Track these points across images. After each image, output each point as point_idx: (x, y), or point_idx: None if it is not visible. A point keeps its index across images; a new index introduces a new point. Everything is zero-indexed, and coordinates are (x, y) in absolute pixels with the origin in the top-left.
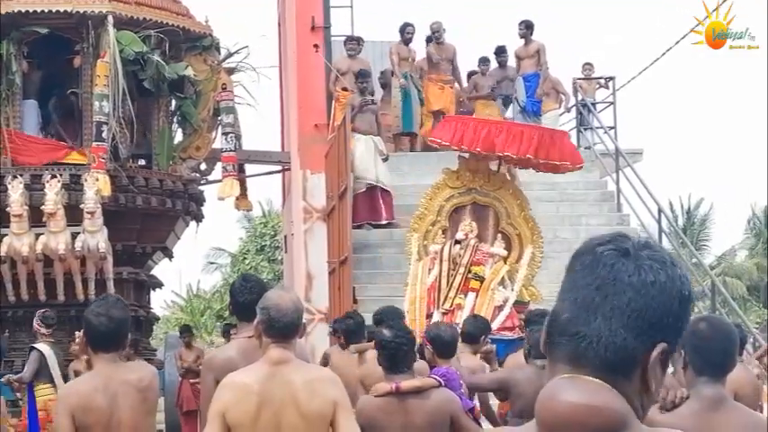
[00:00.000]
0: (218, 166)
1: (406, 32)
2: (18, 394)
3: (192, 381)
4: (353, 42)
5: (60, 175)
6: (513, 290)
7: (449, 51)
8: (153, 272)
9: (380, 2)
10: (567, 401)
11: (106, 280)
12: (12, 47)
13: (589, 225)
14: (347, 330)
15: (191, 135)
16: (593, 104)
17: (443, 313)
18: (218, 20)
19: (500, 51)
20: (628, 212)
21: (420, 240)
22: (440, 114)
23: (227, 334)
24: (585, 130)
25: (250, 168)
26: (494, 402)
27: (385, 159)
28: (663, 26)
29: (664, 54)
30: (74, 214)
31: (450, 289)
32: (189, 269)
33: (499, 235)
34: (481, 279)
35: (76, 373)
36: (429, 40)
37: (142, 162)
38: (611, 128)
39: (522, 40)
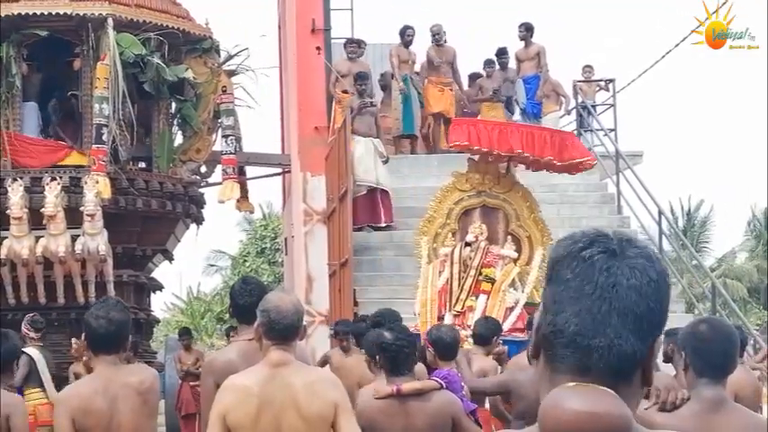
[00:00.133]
0: (219, 168)
1: (406, 35)
2: None
3: (191, 384)
4: (354, 45)
5: (60, 177)
6: (523, 291)
7: (449, 54)
8: (153, 274)
9: (381, 4)
10: (571, 409)
11: (106, 283)
12: (12, 49)
13: (590, 227)
14: (359, 333)
15: (191, 137)
16: (594, 107)
17: (455, 315)
18: (218, 22)
19: (501, 53)
20: (628, 215)
21: (430, 243)
22: (439, 117)
23: (229, 336)
24: (586, 132)
25: (250, 171)
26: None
27: (385, 162)
28: (663, 29)
29: (664, 56)
30: (74, 217)
31: (461, 291)
32: (189, 272)
33: (509, 237)
34: (492, 281)
35: (76, 376)
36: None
37: (142, 164)
38: (612, 130)
39: (522, 43)
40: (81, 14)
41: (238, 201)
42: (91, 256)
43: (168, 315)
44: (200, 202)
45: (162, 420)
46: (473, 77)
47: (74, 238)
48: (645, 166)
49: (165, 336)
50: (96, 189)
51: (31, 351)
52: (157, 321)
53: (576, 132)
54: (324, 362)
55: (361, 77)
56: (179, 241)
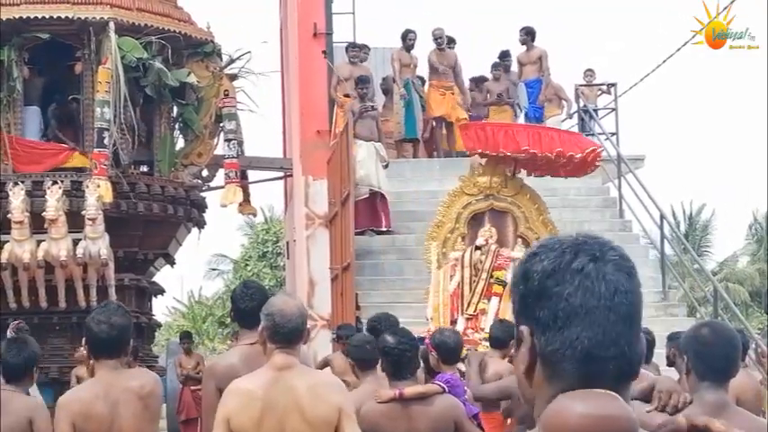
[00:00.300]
0: (220, 172)
1: (407, 39)
2: None
3: (192, 388)
4: (356, 49)
5: (62, 181)
6: None
7: (450, 58)
8: (155, 278)
9: (382, 8)
10: (578, 413)
11: (108, 287)
12: (13, 53)
13: (591, 231)
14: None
15: (192, 141)
16: (595, 111)
17: (467, 318)
18: (220, 26)
19: (504, 56)
20: (630, 218)
21: (439, 248)
22: (441, 120)
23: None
24: (587, 136)
25: (252, 174)
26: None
27: (385, 166)
28: (665, 33)
29: (665, 61)
30: (75, 221)
31: (473, 294)
32: (191, 276)
33: (519, 239)
34: (503, 283)
35: (79, 379)
36: (448, 41)
37: (144, 168)
38: (613, 134)
39: (524, 47)
40: (83, 18)
41: (240, 204)
42: (92, 260)
43: (170, 319)
44: (201, 205)
45: (163, 425)
46: (475, 81)
47: (75, 242)
48: (647, 169)
49: (167, 340)
50: (98, 193)
51: None
52: (159, 325)
53: None
54: (324, 364)
55: (362, 81)
56: (180, 245)
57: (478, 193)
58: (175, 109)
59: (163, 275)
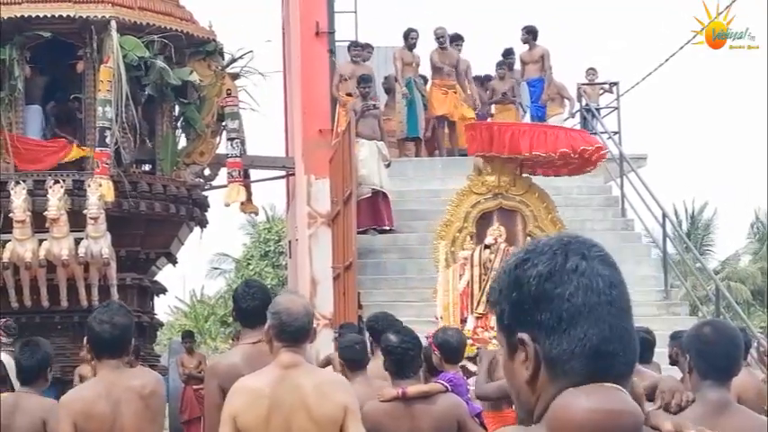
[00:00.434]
0: (222, 171)
1: (410, 38)
2: None
3: (194, 387)
4: (358, 48)
5: (63, 180)
6: None
7: (452, 57)
8: (157, 277)
9: (385, 7)
10: (584, 408)
11: (110, 286)
12: (15, 52)
13: (594, 230)
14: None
15: (194, 140)
16: (598, 109)
17: (477, 317)
18: (222, 25)
19: (507, 54)
20: (632, 217)
21: (447, 247)
22: (443, 119)
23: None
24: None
25: (254, 173)
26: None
27: (387, 165)
28: (667, 31)
29: (667, 60)
30: (77, 220)
31: (482, 293)
32: (193, 275)
33: (528, 238)
34: None
35: (82, 378)
36: (452, 39)
37: (146, 167)
38: (616, 133)
39: (526, 46)
40: (84, 17)
41: (242, 203)
42: (94, 259)
43: (172, 318)
44: (203, 205)
45: (165, 424)
46: (480, 80)
47: (77, 242)
48: (649, 168)
49: (169, 339)
50: (99, 192)
51: (3, 357)
52: (161, 325)
53: None
54: (326, 363)
55: (364, 80)
56: (182, 244)
57: (487, 192)
58: (177, 108)
59: (165, 275)
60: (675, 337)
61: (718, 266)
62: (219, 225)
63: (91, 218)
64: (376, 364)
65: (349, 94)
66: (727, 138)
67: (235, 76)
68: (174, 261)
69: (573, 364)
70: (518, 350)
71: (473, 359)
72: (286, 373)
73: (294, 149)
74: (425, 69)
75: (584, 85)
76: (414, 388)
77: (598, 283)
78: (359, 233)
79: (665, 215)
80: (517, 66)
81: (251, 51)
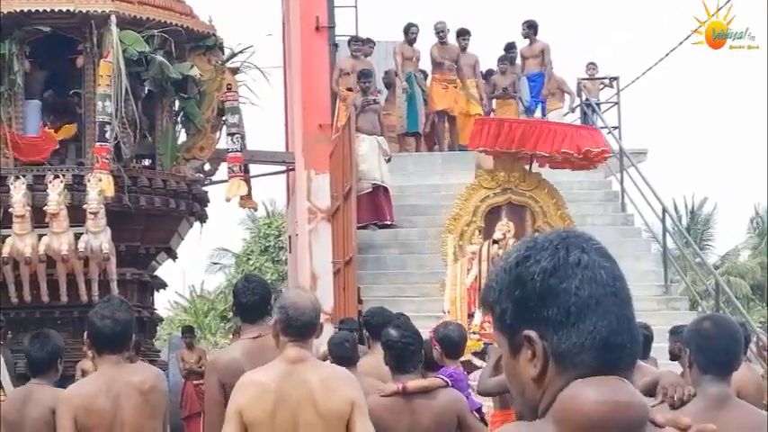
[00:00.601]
0: (223, 166)
1: (410, 32)
2: None
3: (195, 382)
4: (358, 43)
5: (63, 175)
6: None
7: (452, 52)
8: (156, 273)
9: (385, 2)
10: (592, 400)
11: (109, 281)
12: (14, 46)
13: (594, 225)
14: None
15: (194, 135)
16: (598, 104)
17: (484, 312)
18: (222, 19)
19: (509, 48)
20: (632, 212)
21: (456, 241)
22: (444, 114)
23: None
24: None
25: (254, 168)
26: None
27: (388, 160)
28: (669, 24)
29: (667, 55)
30: (77, 215)
31: None
32: (193, 270)
33: (537, 234)
34: None
35: (84, 373)
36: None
37: (146, 162)
38: (616, 128)
39: (527, 41)
40: (84, 11)
41: (242, 198)
42: (94, 254)
43: (172, 313)
44: (203, 200)
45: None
46: (483, 75)
47: (77, 237)
48: (649, 163)
49: (169, 334)
50: (99, 187)
51: None
52: (161, 320)
53: None
54: (324, 357)
55: (364, 75)
56: (182, 239)
57: (496, 187)
58: (177, 103)
59: (165, 270)
60: (676, 332)
61: (717, 261)
62: (219, 220)
63: (91, 213)
64: (372, 359)
65: (349, 89)
66: (727, 133)
67: (235, 71)
68: (173, 256)
69: (583, 356)
70: (522, 348)
71: (479, 354)
72: (293, 368)
73: (294, 144)
74: (426, 64)
75: (584, 79)
76: (414, 383)
77: (602, 276)
78: (359, 228)
79: (664, 210)
80: (517, 60)
81: (251, 46)
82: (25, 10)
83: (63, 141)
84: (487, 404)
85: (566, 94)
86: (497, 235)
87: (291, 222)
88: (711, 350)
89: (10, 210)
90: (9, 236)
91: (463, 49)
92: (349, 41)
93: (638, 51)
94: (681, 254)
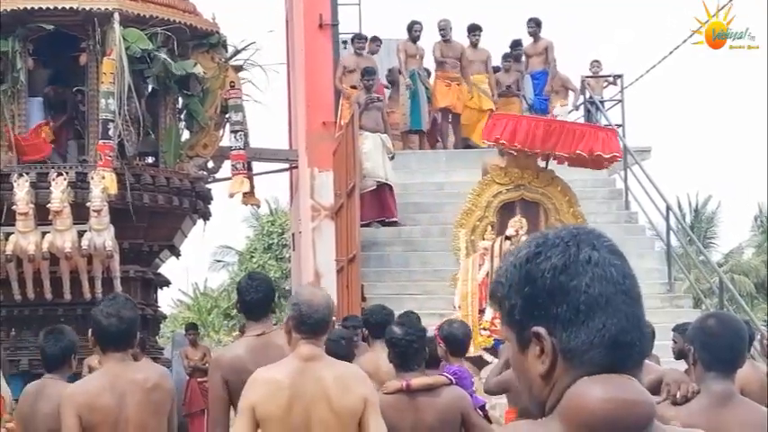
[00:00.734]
0: (226, 163)
1: (413, 30)
2: None
3: (199, 379)
4: (362, 40)
5: (66, 173)
6: None
7: (456, 49)
8: (160, 270)
9: None
10: (599, 397)
11: (113, 278)
12: (17, 44)
13: (597, 223)
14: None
15: (198, 133)
16: (602, 102)
17: (495, 308)
18: (225, 17)
19: (515, 45)
20: (636, 210)
21: (468, 236)
22: (447, 112)
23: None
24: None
25: (258, 166)
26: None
27: (391, 158)
28: (673, 22)
29: (671, 53)
30: (80, 212)
31: None
32: (196, 267)
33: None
34: None
35: (91, 369)
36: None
37: (149, 160)
38: (619, 126)
39: (531, 38)
40: (87, 9)
41: (245, 195)
42: (97, 251)
43: (175, 311)
44: (207, 197)
45: None
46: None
47: (80, 234)
48: (653, 161)
49: (172, 332)
50: (103, 185)
51: None
52: (164, 317)
53: None
54: None
55: (368, 73)
56: (186, 237)
57: (509, 183)
58: (181, 100)
59: (168, 267)
60: (680, 329)
61: (721, 259)
62: (223, 218)
63: (94, 210)
64: (371, 356)
65: (353, 87)
66: (731, 131)
67: (238, 69)
68: (177, 254)
69: (591, 354)
70: (531, 344)
71: (490, 350)
72: (306, 366)
73: (297, 142)
74: (429, 62)
75: (588, 77)
76: (418, 380)
77: (612, 274)
78: (362, 226)
79: (668, 208)
80: (522, 57)
81: (254, 43)
82: (28, 7)
83: (66, 139)
84: (502, 402)
85: (570, 92)
86: (510, 231)
87: (295, 220)
88: (716, 347)
89: (13, 207)
90: (12, 233)
91: (474, 44)
92: (352, 39)
93: (642, 49)
94: (684, 252)
